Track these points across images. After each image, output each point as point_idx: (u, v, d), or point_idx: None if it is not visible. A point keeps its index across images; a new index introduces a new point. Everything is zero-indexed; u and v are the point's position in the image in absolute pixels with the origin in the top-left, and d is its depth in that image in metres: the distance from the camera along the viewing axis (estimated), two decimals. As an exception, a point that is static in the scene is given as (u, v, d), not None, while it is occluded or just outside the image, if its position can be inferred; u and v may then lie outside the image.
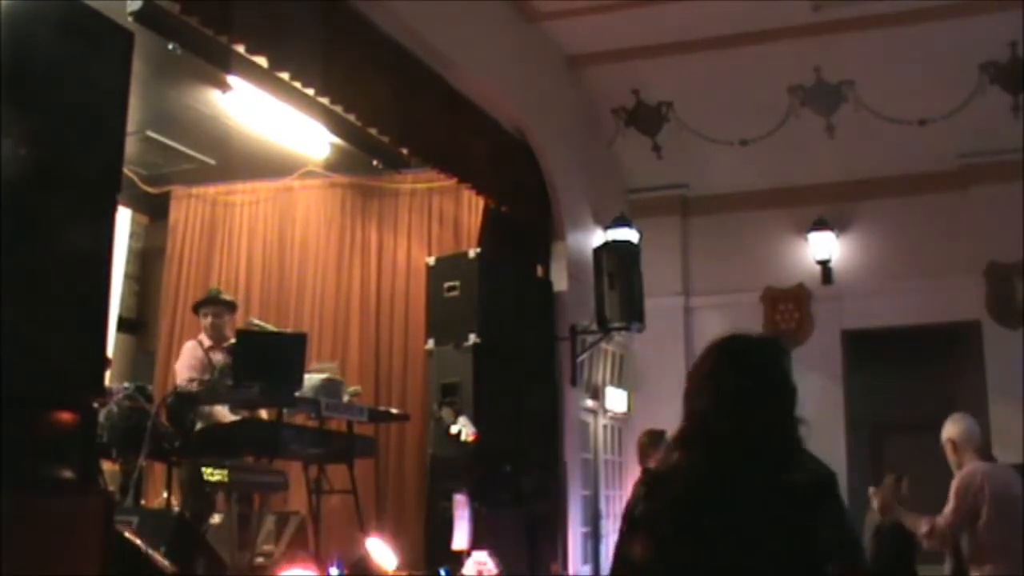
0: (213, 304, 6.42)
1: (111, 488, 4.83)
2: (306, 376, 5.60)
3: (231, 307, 6.52)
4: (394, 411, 6.78)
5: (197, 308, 6.50)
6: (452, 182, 7.37)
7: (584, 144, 8.93)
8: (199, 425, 5.64)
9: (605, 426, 8.91)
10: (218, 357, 6.09)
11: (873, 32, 8.06)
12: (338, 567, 5.41)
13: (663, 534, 2.14)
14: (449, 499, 6.37)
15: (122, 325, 8.35)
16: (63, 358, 3.06)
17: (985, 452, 5.29)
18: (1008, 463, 5.49)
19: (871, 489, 5.50)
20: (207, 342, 6.22)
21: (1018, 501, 4.97)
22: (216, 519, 5.45)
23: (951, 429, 5.10)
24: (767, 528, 2.06)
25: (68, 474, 3.07)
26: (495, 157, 7.46)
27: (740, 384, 2.20)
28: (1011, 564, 4.85)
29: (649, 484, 2.24)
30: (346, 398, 5.98)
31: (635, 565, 2.17)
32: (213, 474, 5.05)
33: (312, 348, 6.83)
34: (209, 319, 6.31)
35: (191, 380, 5.85)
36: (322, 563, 5.31)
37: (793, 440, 2.17)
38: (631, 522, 2.26)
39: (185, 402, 5.55)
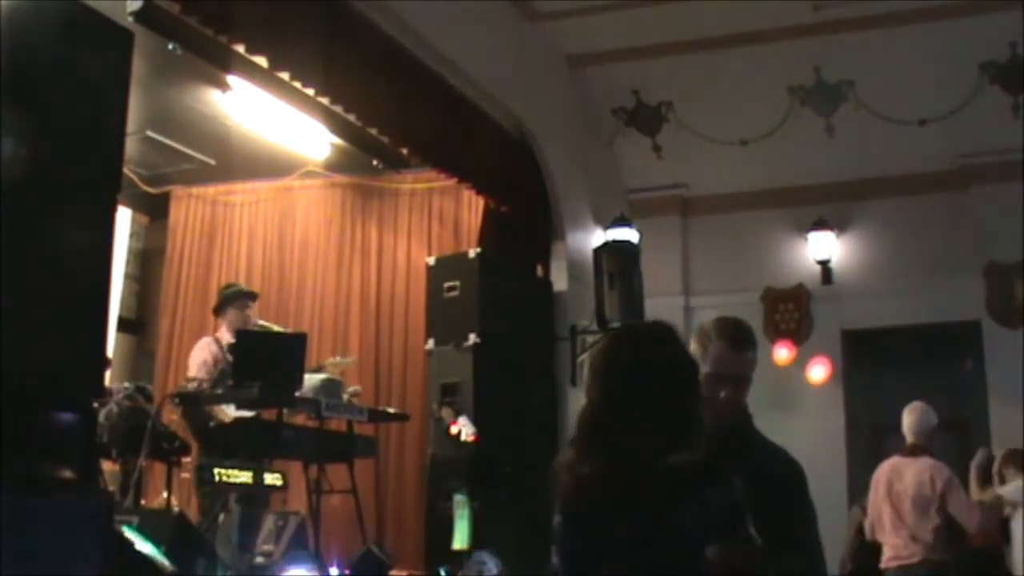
0: (240, 297, 6.45)
1: (111, 488, 4.83)
2: (306, 376, 5.60)
3: (255, 296, 6.62)
4: (394, 411, 6.79)
5: (224, 305, 6.45)
6: (452, 182, 7.37)
7: (584, 144, 8.92)
8: (212, 423, 5.67)
9: (605, 426, 8.90)
10: None
11: (873, 32, 8.05)
12: (338, 567, 5.41)
13: (561, 546, 2.18)
14: (449, 499, 6.37)
15: (122, 325, 8.36)
16: (63, 358, 3.06)
17: (912, 444, 5.76)
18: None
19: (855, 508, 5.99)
20: (227, 338, 6.21)
21: (907, 490, 5.52)
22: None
23: None
24: (633, 523, 2.04)
25: (68, 474, 3.07)
26: (495, 157, 7.45)
27: (608, 373, 2.21)
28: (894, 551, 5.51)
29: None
30: (346, 398, 5.99)
31: None
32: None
33: (312, 348, 6.83)
34: (238, 312, 6.34)
35: (192, 380, 5.86)
36: (322, 563, 5.30)
37: (667, 424, 2.11)
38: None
39: (185, 402, 5.57)
